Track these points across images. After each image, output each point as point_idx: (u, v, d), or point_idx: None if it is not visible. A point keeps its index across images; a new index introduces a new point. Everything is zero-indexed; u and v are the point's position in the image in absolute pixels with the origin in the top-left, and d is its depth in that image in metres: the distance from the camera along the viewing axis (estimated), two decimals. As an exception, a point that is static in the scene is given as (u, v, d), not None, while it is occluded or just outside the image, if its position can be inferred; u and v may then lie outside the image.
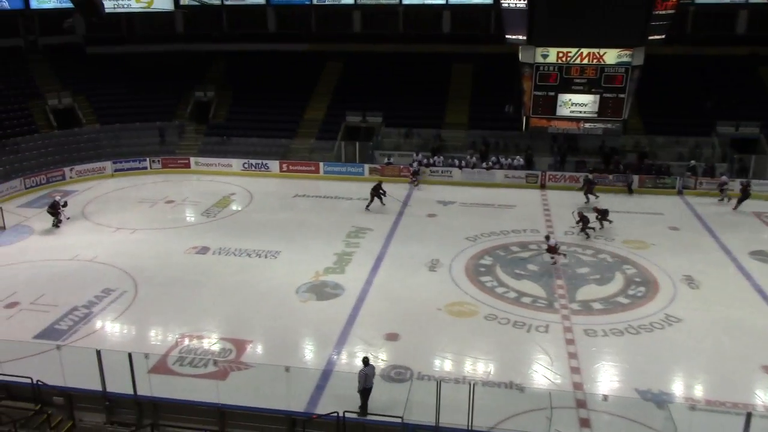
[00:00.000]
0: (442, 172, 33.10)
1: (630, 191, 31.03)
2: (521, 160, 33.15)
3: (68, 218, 26.85)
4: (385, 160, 34.14)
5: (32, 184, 31.91)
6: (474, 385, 12.98)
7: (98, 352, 13.85)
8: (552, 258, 22.52)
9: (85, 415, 14.15)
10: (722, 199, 29.28)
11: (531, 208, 28.92)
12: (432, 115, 36.88)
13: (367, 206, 28.64)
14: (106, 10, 36.16)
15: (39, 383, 13.87)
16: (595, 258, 23.18)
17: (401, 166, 33.49)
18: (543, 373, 16.09)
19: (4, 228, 26.23)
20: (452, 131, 35.97)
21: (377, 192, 28.68)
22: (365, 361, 14.34)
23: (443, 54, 39.45)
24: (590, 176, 30.35)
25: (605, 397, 14.45)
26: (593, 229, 25.26)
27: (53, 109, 36.86)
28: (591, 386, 15.47)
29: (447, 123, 36.58)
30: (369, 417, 12.83)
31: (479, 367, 16.50)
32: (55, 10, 38.86)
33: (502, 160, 33.27)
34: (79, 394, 14.10)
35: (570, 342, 17.42)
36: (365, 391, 14.16)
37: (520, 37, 20.87)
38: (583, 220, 25.06)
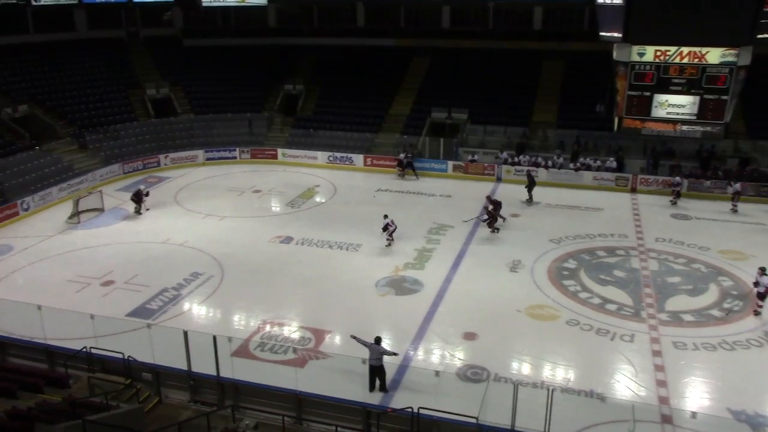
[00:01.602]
0: (527, 171, 32.35)
1: (677, 196, 29.26)
2: (614, 162, 31.90)
3: (148, 209, 27.66)
4: (469, 157, 33.78)
5: (130, 169, 33.60)
6: (552, 390, 12.69)
7: (185, 333, 14.42)
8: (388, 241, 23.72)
9: (171, 392, 14.80)
10: (674, 201, 29.10)
11: (620, 212, 27.86)
12: (519, 113, 36.19)
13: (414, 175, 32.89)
14: (204, 4, 37.72)
15: (130, 359, 14.61)
16: (687, 267, 22.08)
17: (485, 165, 33.06)
18: (626, 384, 15.48)
19: (103, 210, 27.74)
20: (539, 130, 35.16)
21: (410, 160, 32.93)
22: (376, 339, 14.91)
23: (533, 51, 38.62)
24: (533, 173, 29.96)
25: (694, 415, 13.72)
26: (503, 219, 25.47)
27: (151, 99, 38.67)
28: (678, 402, 14.77)
29: (534, 121, 35.81)
30: (443, 415, 12.70)
31: (558, 373, 16.07)
32: (155, 3, 40.85)
33: (590, 161, 32.16)
34: (166, 372, 14.76)
35: (657, 354, 16.68)
36: (371, 369, 14.70)
37: (616, 35, 20.09)
38: (490, 216, 24.90)
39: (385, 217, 23.91)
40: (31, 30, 38.49)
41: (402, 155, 33.51)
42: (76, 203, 26.80)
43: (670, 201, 29.02)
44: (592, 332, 17.78)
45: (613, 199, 29.69)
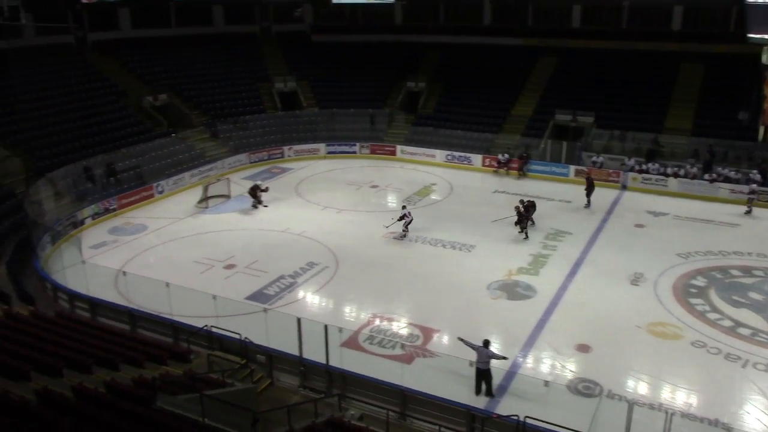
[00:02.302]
0: (656, 180, 30.62)
1: None
2: (758, 174, 29.09)
3: (266, 206, 28.04)
4: (592, 159, 32.37)
5: (256, 159, 35.15)
6: (672, 414, 11.94)
7: (299, 320, 14.85)
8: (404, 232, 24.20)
9: (282, 375, 15.30)
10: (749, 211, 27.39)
11: (760, 230, 25.70)
12: (650, 119, 34.23)
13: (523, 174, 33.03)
14: (333, 1, 38.66)
15: (246, 340, 15.23)
16: (836, 294, 20.03)
17: (609, 171, 31.59)
18: (757, 417, 14.24)
19: (229, 197, 29.15)
20: (672, 137, 33.13)
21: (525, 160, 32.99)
22: (485, 342, 14.68)
23: (670, 53, 36.40)
24: (590, 175, 29.60)
25: (836, 458, 12.49)
26: (531, 222, 24.89)
27: (279, 92, 40.26)
28: (818, 441, 13.42)
29: (667, 128, 33.74)
30: (551, 426, 12.24)
31: (679, 397, 15.05)
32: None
33: (730, 172, 29.77)
34: (279, 356, 15.26)
35: (795, 386, 15.25)
36: (477, 372, 14.40)
37: (767, 37, 18.60)
38: (521, 215, 24.26)
39: (403, 207, 24.75)
40: (173, 24, 41.25)
41: (505, 156, 33.53)
42: (206, 189, 28.34)
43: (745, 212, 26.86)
44: (720, 356, 16.51)
45: (752, 214, 27.43)
